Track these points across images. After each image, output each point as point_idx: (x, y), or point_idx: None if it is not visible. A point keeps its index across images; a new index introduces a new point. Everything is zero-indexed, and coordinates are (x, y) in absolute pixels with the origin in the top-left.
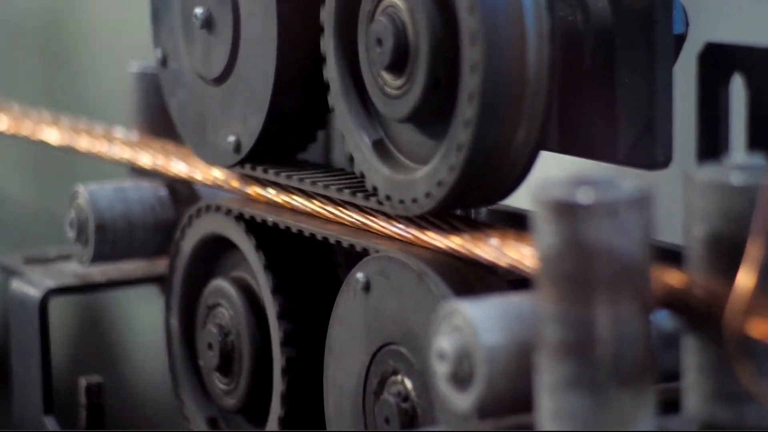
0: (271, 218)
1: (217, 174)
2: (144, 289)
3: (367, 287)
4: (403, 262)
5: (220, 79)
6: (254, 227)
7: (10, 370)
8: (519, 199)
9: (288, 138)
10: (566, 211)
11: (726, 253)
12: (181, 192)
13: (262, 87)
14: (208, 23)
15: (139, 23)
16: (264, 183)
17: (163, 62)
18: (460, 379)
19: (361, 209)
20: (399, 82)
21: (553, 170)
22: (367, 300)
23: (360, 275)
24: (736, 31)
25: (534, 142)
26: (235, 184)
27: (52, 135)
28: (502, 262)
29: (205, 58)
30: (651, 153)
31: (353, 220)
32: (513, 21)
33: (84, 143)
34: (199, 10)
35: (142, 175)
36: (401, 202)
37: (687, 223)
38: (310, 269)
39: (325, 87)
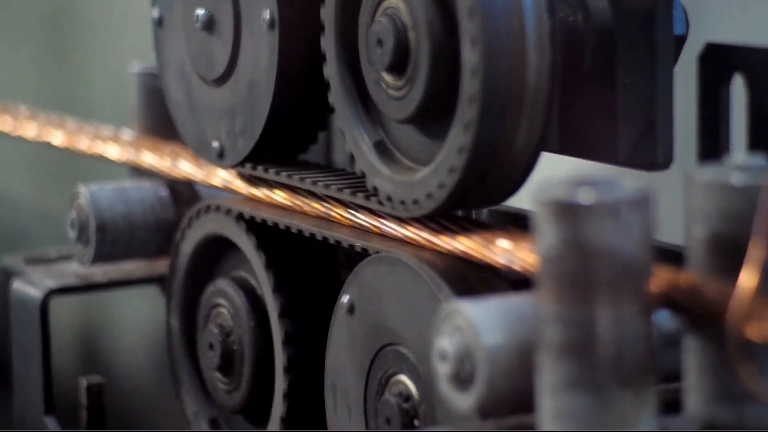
0: (271, 218)
1: (217, 174)
2: (145, 289)
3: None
4: (403, 262)
5: (221, 79)
6: (255, 227)
7: (11, 370)
8: (520, 200)
9: (289, 138)
10: (567, 211)
11: (727, 254)
12: (182, 192)
13: (263, 87)
14: (209, 24)
15: (139, 23)
16: (265, 183)
17: (220, 155)
18: (462, 379)
19: (361, 209)
20: (400, 83)
21: (553, 171)
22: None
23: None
24: (737, 32)
25: (535, 143)
26: (235, 184)
27: (52, 135)
28: (503, 262)
29: (207, 60)
30: (652, 154)
31: (353, 220)
32: (513, 25)
33: (84, 143)
34: (200, 11)
35: (143, 175)
36: (402, 203)
37: (688, 223)
38: (311, 269)
39: (326, 87)
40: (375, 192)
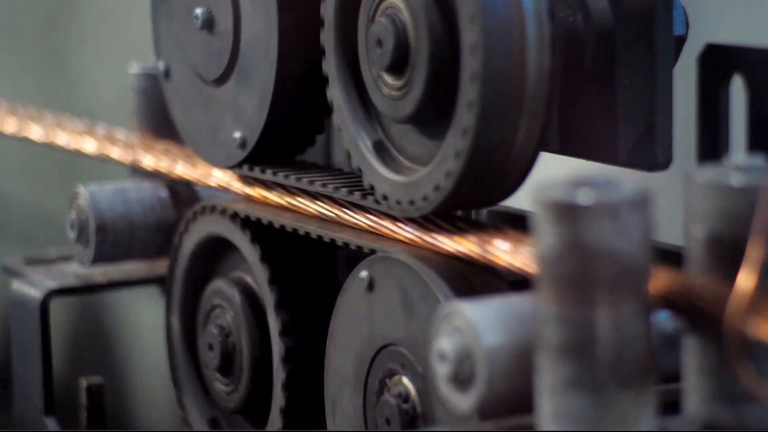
0: (270, 218)
1: (217, 175)
2: (145, 289)
3: (371, 286)
4: (403, 262)
5: (221, 79)
6: (254, 228)
7: (11, 370)
8: (519, 200)
9: (289, 138)
10: (566, 212)
11: (726, 254)
12: (182, 193)
13: (263, 87)
14: (208, 24)
15: (139, 23)
16: (264, 183)
17: (166, 73)
18: (461, 379)
19: (361, 209)
20: (399, 83)
21: (553, 171)
22: (370, 298)
23: (364, 273)
24: (737, 32)
25: (534, 145)
26: (235, 184)
27: (53, 135)
28: (503, 262)
29: (206, 59)
30: (651, 154)
31: (353, 219)
32: (514, 31)
33: (84, 144)
34: (199, 11)
35: (143, 175)
36: (398, 202)
37: (687, 224)
38: (309, 269)
39: (325, 87)
40: (371, 190)
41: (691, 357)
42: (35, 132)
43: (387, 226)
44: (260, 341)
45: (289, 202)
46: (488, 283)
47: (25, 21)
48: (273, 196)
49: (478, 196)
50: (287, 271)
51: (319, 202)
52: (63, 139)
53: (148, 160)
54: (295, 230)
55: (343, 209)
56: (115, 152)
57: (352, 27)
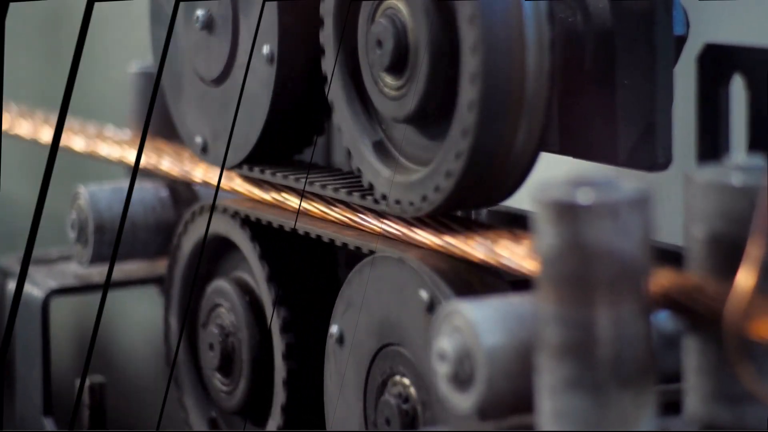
0: (270, 219)
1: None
2: (145, 289)
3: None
4: (403, 262)
5: (220, 79)
6: (254, 227)
7: (13, 370)
8: (519, 200)
9: (288, 138)
10: (566, 212)
11: (726, 254)
12: (182, 193)
13: (262, 87)
14: (208, 24)
15: (139, 23)
16: (264, 184)
17: (204, 149)
18: (461, 379)
19: (361, 210)
20: (399, 83)
21: (553, 171)
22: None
23: (425, 294)
24: (737, 32)
25: (534, 146)
26: (235, 185)
27: (92, 146)
28: (503, 263)
29: (206, 60)
30: (651, 154)
31: (353, 220)
32: (513, 31)
33: (84, 144)
34: (200, 12)
35: (143, 175)
36: (398, 203)
37: (687, 223)
38: (310, 269)
39: (325, 86)
40: (370, 188)
41: (691, 357)
42: (35, 132)
43: (389, 227)
44: (260, 340)
45: (289, 203)
46: (488, 283)
47: (26, 20)
48: (275, 197)
49: (478, 196)
50: (288, 270)
51: (321, 204)
52: (63, 138)
53: (148, 160)
54: (306, 233)
55: (345, 210)
56: (115, 152)
57: (352, 29)
